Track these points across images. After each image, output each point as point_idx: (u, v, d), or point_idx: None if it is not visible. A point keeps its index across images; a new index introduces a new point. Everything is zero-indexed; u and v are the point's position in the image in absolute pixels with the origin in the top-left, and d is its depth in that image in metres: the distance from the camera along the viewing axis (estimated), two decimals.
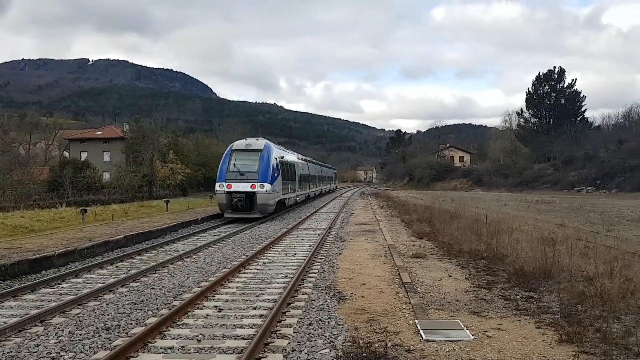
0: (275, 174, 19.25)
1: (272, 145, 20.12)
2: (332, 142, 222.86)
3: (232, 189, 17.97)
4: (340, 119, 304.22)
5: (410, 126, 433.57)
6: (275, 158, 19.49)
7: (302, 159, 27.87)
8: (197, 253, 9.73)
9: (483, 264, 8.26)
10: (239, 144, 19.42)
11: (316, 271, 8.07)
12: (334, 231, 13.58)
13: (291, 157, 23.78)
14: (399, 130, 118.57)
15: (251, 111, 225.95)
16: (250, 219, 17.82)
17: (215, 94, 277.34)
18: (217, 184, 18.28)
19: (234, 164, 18.66)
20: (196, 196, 31.40)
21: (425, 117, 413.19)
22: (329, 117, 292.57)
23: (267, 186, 18.39)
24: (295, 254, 9.49)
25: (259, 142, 19.57)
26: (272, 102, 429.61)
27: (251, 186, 18.18)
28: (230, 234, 12.61)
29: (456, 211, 15.42)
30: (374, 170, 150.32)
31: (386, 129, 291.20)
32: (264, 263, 8.72)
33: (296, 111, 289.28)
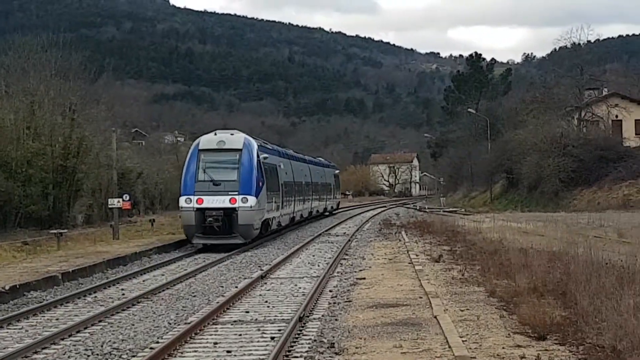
0: (260, 183, 28.91)
1: (252, 140, 30.04)
2: (304, 92, 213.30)
3: (204, 205, 27.45)
4: (321, 29, 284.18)
5: (504, 46, 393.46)
6: (259, 160, 29.20)
7: (281, 154, 37.81)
8: None
9: None
10: (208, 141, 29.26)
11: None
12: (316, 326, 13.12)
13: (273, 154, 33.97)
14: (477, 57, 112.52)
15: (79, 14, 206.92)
16: (229, 247, 26.99)
17: None
18: (181, 199, 28.08)
19: (204, 170, 28.18)
20: None
21: (542, 21, 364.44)
22: (291, 25, 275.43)
23: (252, 200, 27.91)
24: None
25: (236, 138, 29.36)
26: None
27: (230, 200, 27.60)
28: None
29: (630, 264, 14.66)
30: (415, 161, 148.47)
31: (442, 55, 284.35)
32: None
33: (205, 13, 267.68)
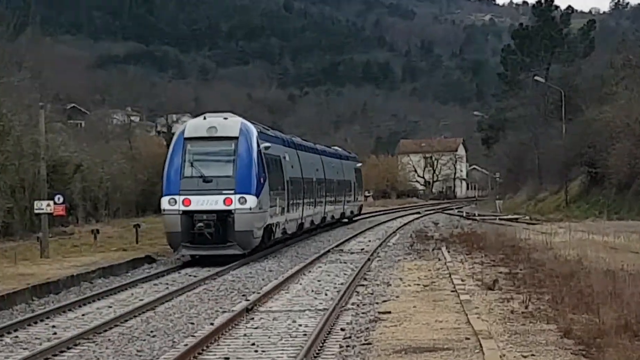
0: (262, 180, 32.48)
1: (251, 125, 33.66)
2: (307, 54, 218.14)
3: (192, 207, 30.73)
4: None
5: None
6: (259, 150, 32.70)
7: (286, 143, 41.93)
8: None
9: None
10: (196, 127, 32.94)
11: None
12: None
13: (276, 142, 37.80)
14: (547, 5, 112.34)
15: None
16: (224, 259, 30.05)
17: None
18: (164, 199, 31.27)
19: (192, 164, 31.57)
20: None
21: None
22: None
23: (251, 200, 31.25)
24: None
25: (231, 123, 32.85)
26: None
27: (225, 201, 30.94)
28: None
29: None
30: (461, 149, 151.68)
31: (498, 1, 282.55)
32: None
33: None
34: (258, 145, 32.39)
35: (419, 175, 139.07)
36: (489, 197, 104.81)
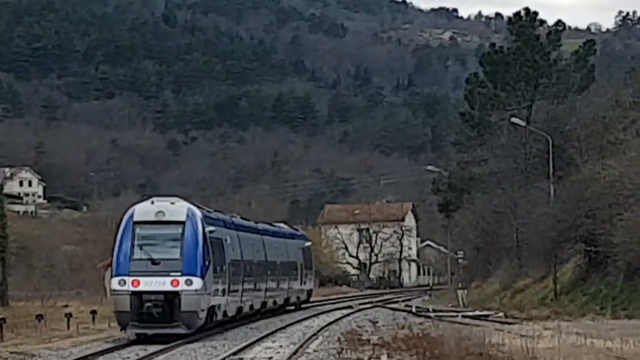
0: (207, 262, 46.89)
1: (196, 209, 48.52)
2: (195, 83, 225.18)
3: (141, 288, 44.71)
4: None
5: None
6: (205, 234, 46.97)
7: (227, 224, 56.56)
8: None
9: None
10: (144, 211, 47.45)
11: None
12: None
13: (218, 224, 52.49)
14: (529, 19, 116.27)
15: None
16: (170, 337, 43.58)
17: None
18: (114, 280, 45.70)
19: (141, 247, 46.05)
20: None
21: None
22: None
23: (197, 282, 45.35)
24: None
25: (178, 208, 47.65)
26: None
27: (172, 282, 44.85)
28: None
29: None
30: (410, 219, 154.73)
31: (461, 13, 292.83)
32: None
33: None
34: (203, 229, 46.30)
35: (350, 255, 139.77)
36: (449, 286, 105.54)
